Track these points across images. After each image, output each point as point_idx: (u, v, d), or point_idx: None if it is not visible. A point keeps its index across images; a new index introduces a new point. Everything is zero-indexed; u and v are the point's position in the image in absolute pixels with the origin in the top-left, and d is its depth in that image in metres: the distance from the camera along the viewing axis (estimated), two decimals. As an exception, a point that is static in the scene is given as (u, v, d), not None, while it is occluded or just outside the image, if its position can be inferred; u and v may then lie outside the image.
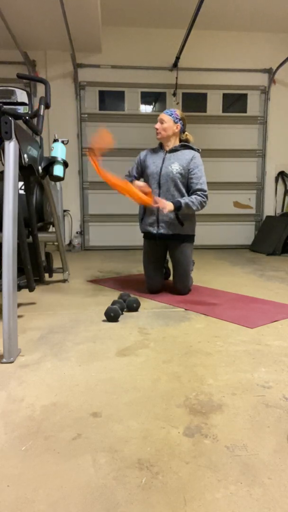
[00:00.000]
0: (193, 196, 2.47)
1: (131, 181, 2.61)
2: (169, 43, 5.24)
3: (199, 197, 2.46)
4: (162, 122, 2.55)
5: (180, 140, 2.65)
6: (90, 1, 3.90)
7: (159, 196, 2.50)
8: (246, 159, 5.74)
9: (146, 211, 2.65)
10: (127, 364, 1.51)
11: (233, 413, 1.14)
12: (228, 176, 5.74)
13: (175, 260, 2.63)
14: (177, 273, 2.65)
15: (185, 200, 2.44)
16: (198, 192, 2.48)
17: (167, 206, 2.38)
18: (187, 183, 2.54)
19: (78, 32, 4.55)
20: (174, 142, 2.60)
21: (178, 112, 2.58)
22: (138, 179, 2.73)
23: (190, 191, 2.53)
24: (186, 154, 2.56)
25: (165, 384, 1.34)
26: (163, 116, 2.55)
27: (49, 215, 3.10)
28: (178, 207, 2.41)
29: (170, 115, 2.55)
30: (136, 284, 3.01)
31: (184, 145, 2.61)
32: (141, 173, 2.71)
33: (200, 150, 2.64)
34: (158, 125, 2.56)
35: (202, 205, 2.48)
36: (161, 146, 2.66)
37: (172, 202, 2.41)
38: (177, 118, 2.55)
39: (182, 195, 2.52)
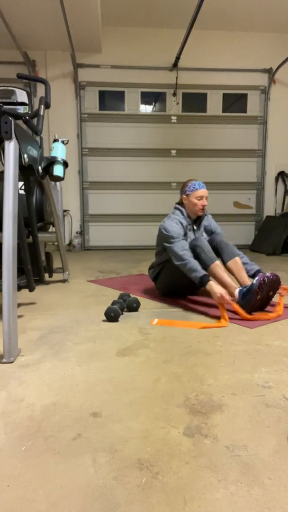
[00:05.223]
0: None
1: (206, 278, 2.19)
2: (169, 43, 5.24)
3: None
4: (207, 198, 2.44)
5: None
6: (90, 1, 3.90)
7: None
8: (246, 159, 5.74)
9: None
10: (127, 364, 1.51)
11: (233, 413, 1.14)
12: (228, 176, 5.74)
13: None
14: None
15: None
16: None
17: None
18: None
19: (78, 32, 4.55)
20: None
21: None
22: None
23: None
24: (205, 220, 2.55)
25: (165, 384, 1.34)
26: (207, 192, 2.43)
27: (49, 215, 3.10)
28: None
29: None
30: (136, 284, 3.00)
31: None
32: None
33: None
34: (205, 202, 2.41)
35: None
36: (185, 217, 2.47)
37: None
38: None
39: None
